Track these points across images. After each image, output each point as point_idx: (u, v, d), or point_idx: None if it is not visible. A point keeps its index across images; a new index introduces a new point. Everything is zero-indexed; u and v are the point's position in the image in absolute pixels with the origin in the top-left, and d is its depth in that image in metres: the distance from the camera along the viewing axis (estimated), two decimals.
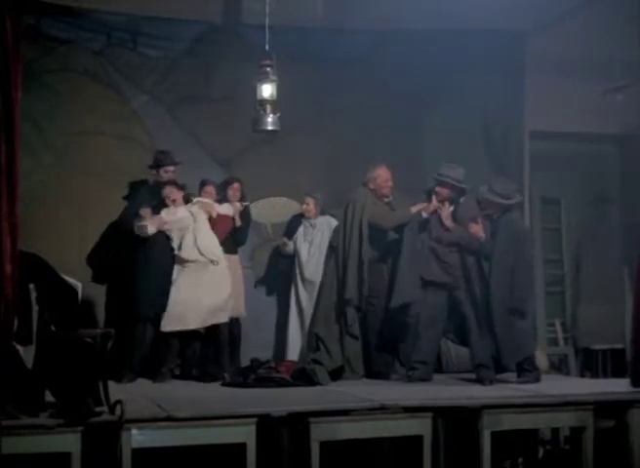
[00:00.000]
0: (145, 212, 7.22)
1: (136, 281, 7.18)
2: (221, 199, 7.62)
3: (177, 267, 7.16)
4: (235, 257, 7.65)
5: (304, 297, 7.62)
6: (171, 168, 7.43)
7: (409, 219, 7.10)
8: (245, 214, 7.69)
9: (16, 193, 5.03)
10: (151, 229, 7.14)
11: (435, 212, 7.03)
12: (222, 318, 7.18)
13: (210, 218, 7.33)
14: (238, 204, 7.61)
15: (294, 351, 7.52)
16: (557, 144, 9.03)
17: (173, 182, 7.35)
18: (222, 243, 7.38)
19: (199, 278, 7.12)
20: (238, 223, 7.55)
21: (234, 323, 7.55)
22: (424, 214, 7.05)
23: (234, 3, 8.22)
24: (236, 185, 7.65)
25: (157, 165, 7.43)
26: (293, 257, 7.78)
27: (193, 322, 7.06)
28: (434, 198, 7.02)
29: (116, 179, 7.77)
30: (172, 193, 7.25)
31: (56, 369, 5.17)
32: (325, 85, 8.26)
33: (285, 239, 7.82)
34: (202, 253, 7.13)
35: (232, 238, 7.57)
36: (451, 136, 8.33)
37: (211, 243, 7.23)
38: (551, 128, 8.72)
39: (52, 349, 5.20)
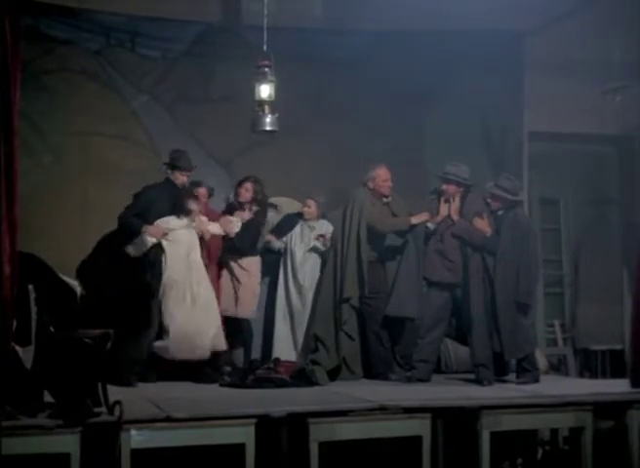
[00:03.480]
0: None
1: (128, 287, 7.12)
2: (232, 200, 7.60)
3: (163, 286, 6.99)
4: (253, 259, 7.54)
5: (295, 299, 7.59)
6: (186, 173, 7.28)
7: (406, 228, 7.13)
8: (252, 222, 7.50)
9: (14, 193, 5.03)
10: (151, 240, 7.02)
11: (441, 223, 7.04)
12: (221, 346, 7.05)
13: (202, 237, 7.20)
14: (232, 219, 7.41)
15: (281, 353, 7.46)
16: (556, 145, 9.04)
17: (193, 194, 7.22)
18: (218, 259, 7.36)
19: (189, 301, 6.97)
20: (232, 235, 7.37)
21: (244, 323, 7.53)
22: (430, 226, 7.06)
23: (233, 4, 8.22)
24: (248, 185, 7.54)
25: (174, 166, 7.24)
26: (279, 255, 7.72)
27: (201, 351, 6.93)
28: (442, 207, 7.02)
29: (115, 179, 7.76)
30: (197, 206, 7.15)
31: (55, 369, 5.17)
32: (324, 85, 8.26)
33: (270, 236, 7.73)
34: (186, 274, 7.01)
35: (235, 245, 7.47)
36: (450, 136, 8.33)
37: (194, 265, 7.06)
38: (550, 128, 8.72)
39: (51, 350, 5.20)
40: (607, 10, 8.31)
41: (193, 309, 6.96)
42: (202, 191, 7.45)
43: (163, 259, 7.02)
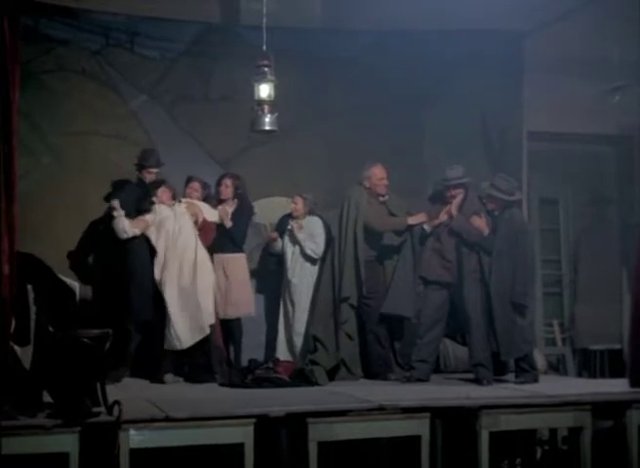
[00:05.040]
0: (114, 203, 7.16)
1: (124, 282, 7.16)
2: (209, 196, 7.60)
3: (158, 272, 7.07)
4: (241, 256, 7.60)
5: (288, 298, 7.62)
6: (154, 169, 7.44)
7: (403, 228, 7.16)
8: (239, 212, 7.58)
9: (13, 193, 5.04)
10: (132, 230, 7.10)
11: (439, 226, 7.04)
12: (206, 330, 7.11)
13: (196, 221, 7.27)
14: (226, 207, 7.51)
15: (281, 352, 7.51)
16: (555, 145, 9.03)
17: (162, 182, 7.33)
18: (210, 247, 7.35)
19: (184, 286, 7.04)
20: (228, 225, 7.47)
21: (235, 322, 7.54)
22: (427, 228, 7.07)
23: (232, 3, 8.20)
24: (227, 182, 7.58)
25: (140, 166, 7.42)
26: (280, 256, 7.75)
27: (199, 334, 7.06)
28: (441, 214, 7.01)
29: (114, 179, 7.76)
30: (163, 194, 7.25)
31: (53, 369, 5.17)
32: (323, 85, 8.26)
33: (275, 234, 7.77)
34: (180, 257, 7.08)
35: (230, 238, 7.53)
36: (450, 136, 8.33)
37: (188, 246, 7.12)
38: (550, 128, 8.72)
39: (49, 350, 5.20)
40: (607, 10, 8.30)
41: (188, 294, 7.02)
42: (194, 185, 7.50)
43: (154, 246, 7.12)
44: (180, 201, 7.33)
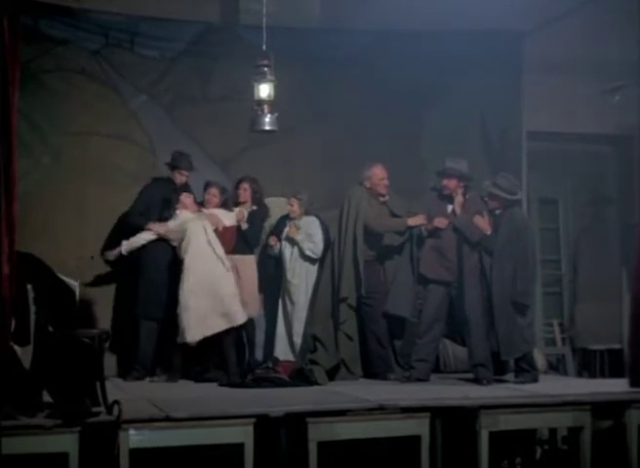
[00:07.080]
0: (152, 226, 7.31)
1: (138, 281, 7.26)
2: (227, 200, 7.63)
3: (182, 272, 7.09)
4: (251, 258, 7.63)
5: (288, 298, 7.62)
6: (185, 172, 7.52)
7: (403, 229, 7.16)
8: (255, 215, 7.63)
9: (13, 193, 5.05)
10: (147, 238, 7.25)
11: (436, 229, 7.03)
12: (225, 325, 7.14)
13: (216, 229, 7.31)
14: (243, 209, 7.56)
15: (280, 352, 7.51)
16: (555, 145, 9.04)
17: (186, 188, 7.43)
18: (231, 251, 7.38)
19: (206, 283, 7.06)
20: (244, 227, 7.50)
21: (247, 324, 7.55)
22: (424, 232, 7.07)
23: (232, 3, 8.22)
24: (245, 185, 7.62)
25: (174, 166, 7.49)
26: (278, 259, 7.75)
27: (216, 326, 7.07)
28: (439, 220, 7.00)
29: (114, 180, 7.78)
30: (187, 199, 7.33)
31: (53, 369, 5.17)
32: (323, 85, 8.26)
33: (275, 240, 7.77)
34: (208, 258, 7.12)
35: (243, 240, 7.54)
36: (449, 136, 8.33)
37: (213, 247, 7.18)
38: (549, 128, 8.73)
39: (49, 350, 5.21)
40: (607, 10, 8.31)
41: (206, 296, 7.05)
42: (213, 191, 7.50)
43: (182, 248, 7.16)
44: (200, 210, 7.37)
